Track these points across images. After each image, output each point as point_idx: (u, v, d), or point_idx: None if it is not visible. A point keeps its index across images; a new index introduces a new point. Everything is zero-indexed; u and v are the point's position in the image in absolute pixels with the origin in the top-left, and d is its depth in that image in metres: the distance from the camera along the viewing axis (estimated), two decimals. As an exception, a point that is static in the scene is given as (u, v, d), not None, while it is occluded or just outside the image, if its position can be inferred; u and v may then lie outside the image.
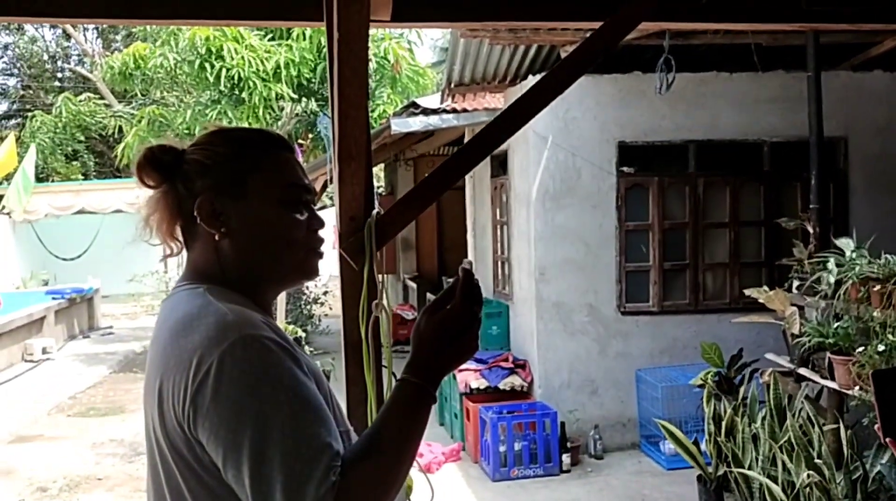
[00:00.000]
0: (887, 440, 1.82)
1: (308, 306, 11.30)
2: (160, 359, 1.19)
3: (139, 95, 13.78)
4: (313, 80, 10.72)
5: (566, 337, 6.17)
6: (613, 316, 6.19)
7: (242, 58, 9.94)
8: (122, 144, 12.58)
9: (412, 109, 7.19)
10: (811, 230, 4.89)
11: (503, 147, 6.85)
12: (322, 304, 11.50)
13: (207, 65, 10.01)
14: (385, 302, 2.00)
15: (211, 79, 10.07)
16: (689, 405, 5.63)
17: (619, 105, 6.14)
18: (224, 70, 9.92)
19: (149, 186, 1.28)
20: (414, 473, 1.53)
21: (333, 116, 1.85)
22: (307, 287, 11.02)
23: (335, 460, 1.08)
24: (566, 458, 5.68)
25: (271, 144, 1.32)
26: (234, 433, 1.07)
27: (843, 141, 6.25)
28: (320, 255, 1.35)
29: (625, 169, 6.17)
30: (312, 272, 1.34)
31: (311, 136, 11.21)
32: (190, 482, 1.15)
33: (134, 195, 12.26)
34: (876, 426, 1.85)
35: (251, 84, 10.07)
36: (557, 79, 2.25)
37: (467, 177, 8.14)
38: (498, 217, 7.23)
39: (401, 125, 7.14)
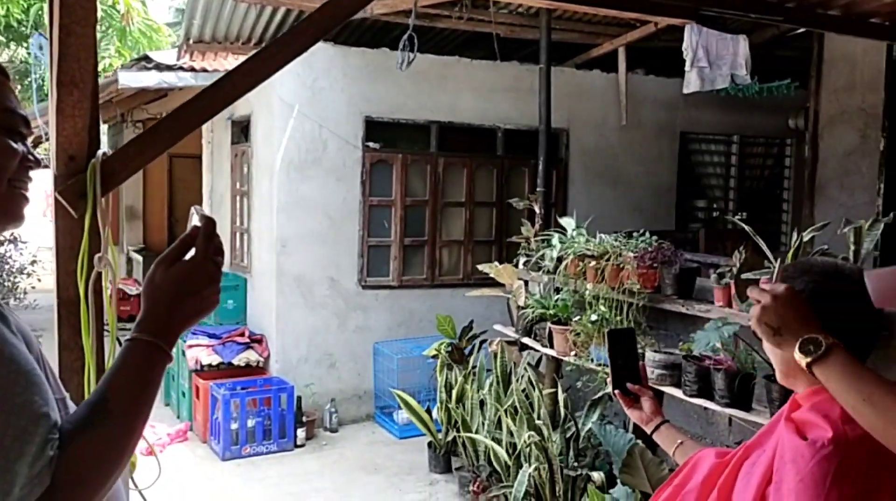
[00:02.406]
0: (615, 392, 1.98)
1: (12, 277, 9.96)
2: None
3: None
4: (25, 22, 9.43)
5: (306, 311, 6.07)
6: (354, 290, 6.21)
7: (-68, -15, 8.46)
8: None
9: (144, 62, 6.59)
10: (537, 211, 5.28)
11: (245, 113, 6.56)
12: (29, 275, 10.22)
13: None
14: (110, 257, 1.77)
15: None
16: (423, 376, 5.83)
17: (366, 80, 6.14)
18: None
19: None
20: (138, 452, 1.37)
21: (52, 34, 1.57)
22: (11, 257, 9.71)
23: (52, 432, 0.92)
24: (301, 433, 5.60)
25: None
26: None
27: (566, 133, 6.83)
28: (27, 198, 1.15)
29: (370, 144, 6.19)
30: (17, 216, 1.14)
31: (21, 86, 9.89)
32: None
33: None
34: (607, 380, 2.01)
35: (-57, 17, 8.61)
36: (316, 24, 2.11)
37: (204, 143, 7.68)
38: (238, 187, 6.90)
39: (130, 80, 6.50)
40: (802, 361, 1.36)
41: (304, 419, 5.67)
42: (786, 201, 7.93)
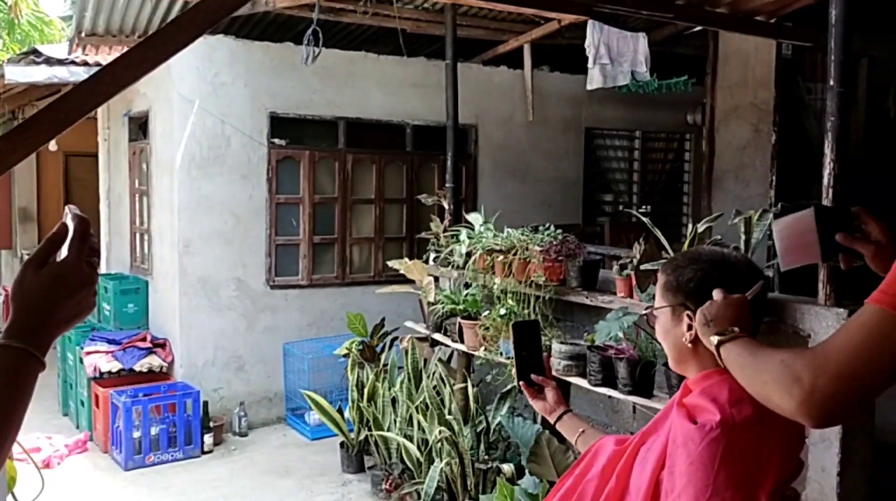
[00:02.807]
0: (520, 383, 1.99)
1: None
2: None
3: None
4: None
5: (212, 313, 5.89)
6: (262, 290, 6.06)
7: None
8: None
9: (33, 56, 6.24)
10: (446, 207, 5.28)
11: (143, 109, 6.32)
12: None
13: None
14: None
15: None
16: (335, 376, 5.75)
17: (271, 75, 6.00)
18: None
19: None
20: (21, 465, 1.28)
21: None
22: None
23: None
24: (208, 438, 5.43)
25: None
26: None
27: (474, 128, 6.86)
28: None
29: (276, 141, 6.06)
30: None
31: None
32: None
33: None
34: (513, 371, 2.01)
35: None
36: (200, 14, 2.02)
37: (101, 141, 7.36)
38: (137, 185, 6.63)
39: (18, 74, 6.14)
40: (714, 342, 1.45)
41: (212, 424, 5.51)
42: (686, 193, 8.21)
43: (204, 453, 5.41)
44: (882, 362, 1.14)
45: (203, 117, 5.77)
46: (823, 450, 2.82)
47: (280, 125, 6.08)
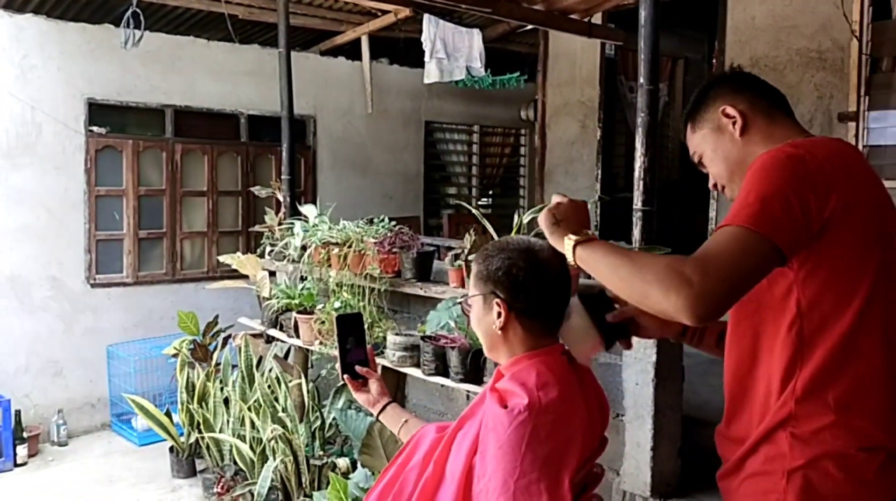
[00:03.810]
0: (345, 376, 1.96)
1: None
2: None
3: None
4: None
5: (24, 316, 5.42)
6: (82, 289, 5.64)
7: None
8: None
9: None
10: (282, 199, 5.15)
11: (-61, 91, 5.68)
12: None
13: None
14: None
15: None
16: (165, 378, 5.47)
17: (88, 58, 5.58)
18: None
19: None
20: None
21: None
22: None
23: None
24: (22, 450, 5.00)
25: None
26: None
27: (313, 119, 6.73)
28: None
29: (95, 129, 5.65)
30: None
31: None
32: None
33: None
34: (337, 366, 1.98)
35: None
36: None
37: None
38: (-67, 176, 5.97)
39: None
40: (571, 242, 1.52)
41: (25, 434, 5.07)
42: (522, 186, 8.49)
43: (17, 466, 4.97)
44: (747, 268, 1.36)
45: (10, 103, 5.28)
46: (638, 427, 2.99)
47: (100, 112, 5.68)
